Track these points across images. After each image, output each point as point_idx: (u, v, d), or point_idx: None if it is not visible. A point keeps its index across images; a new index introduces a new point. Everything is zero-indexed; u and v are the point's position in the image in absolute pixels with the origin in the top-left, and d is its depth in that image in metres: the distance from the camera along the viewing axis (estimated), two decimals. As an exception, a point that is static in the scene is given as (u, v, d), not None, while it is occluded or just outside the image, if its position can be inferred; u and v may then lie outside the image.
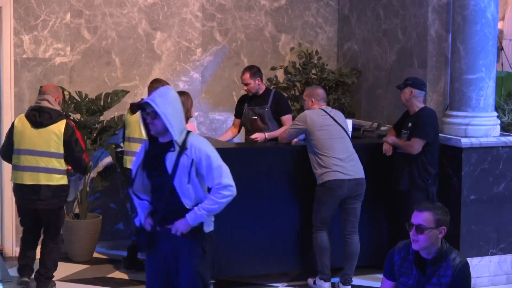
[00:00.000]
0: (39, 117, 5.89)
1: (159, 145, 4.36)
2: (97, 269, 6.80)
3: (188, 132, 4.37)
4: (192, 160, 4.26)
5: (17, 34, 7.15)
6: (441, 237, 3.98)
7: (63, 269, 6.53)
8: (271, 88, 7.73)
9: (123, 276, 6.66)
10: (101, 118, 7.28)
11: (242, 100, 7.17)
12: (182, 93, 6.33)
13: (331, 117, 6.23)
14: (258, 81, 6.93)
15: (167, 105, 4.25)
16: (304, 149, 6.28)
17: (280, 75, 8.08)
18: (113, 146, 7.27)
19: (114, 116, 7.40)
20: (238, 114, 7.17)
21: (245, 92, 7.12)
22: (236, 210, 6.23)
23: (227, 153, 6.36)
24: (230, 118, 7.98)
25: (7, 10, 7.06)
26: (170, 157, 4.28)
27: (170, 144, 4.29)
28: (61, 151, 5.92)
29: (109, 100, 7.25)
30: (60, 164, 5.94)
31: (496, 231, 6.56)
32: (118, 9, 7.48)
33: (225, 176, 4.34)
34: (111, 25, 7.47)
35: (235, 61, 7.93)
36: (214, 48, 7.87)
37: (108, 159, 7.40)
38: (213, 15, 7.82)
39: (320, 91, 6.45)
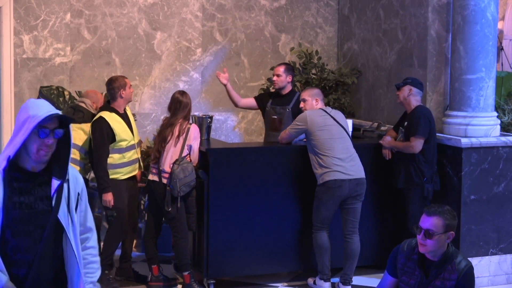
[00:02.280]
0: (73, 114, 6.22)
1: (28, 175, 3.13)
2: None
3: None
4: (78, 193, 3.25)
5: (17, 34, 7.15)
6: (448, 242, 3.97)
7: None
8: (272, 88, 7.73)
9: (123, 276, 6.65)
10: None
11: (268, 95, 7.11)
12: (184, 93, 6.33)
13: (332, 117, 6.23)
14: (289, 79, 6.86)
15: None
16: (304, 149, 6.28)
17: (280, 75, 8.08)
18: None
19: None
20: (258, 98, 7.09)
21: (264, 91, 7.08)
22: (236, 210, 6.23)
23: (227, 153, 6.37)
24: (230, 118, 7.98)
25: (7, 10, 7.06)
26: (51, 190, 3.15)
27: (47, 173, 3.15)
28: (81, 144, 6.14)
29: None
30: (76, 155, 6.12)
31: (496, 231, 6.55)
32: (118, 9, 7.48)
33: (90, 214, 3.38)
34: (111, 25, 7.47)
35: (235, 61, 7.93)
36: (214, 48, 7.87)
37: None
38: (213, 15, 7.82)
39: (320, 91, 6.47)
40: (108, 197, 6.05)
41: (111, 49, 7.49)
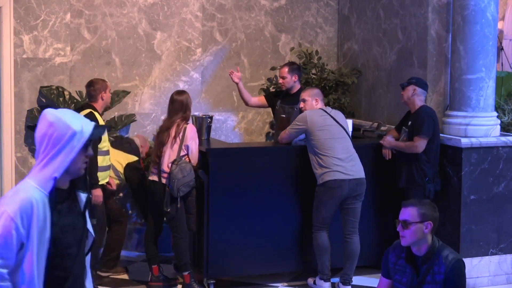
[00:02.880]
0: (121, 140, 6.92)
1: (63, 193, 2.97)
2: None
3: None
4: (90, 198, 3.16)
5: (17, 34, 7.15)
6: (427, 232, 3.99)
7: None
8: (271, 88, 7.73)
9: (123, 276, 6.65)
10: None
11: (277, 94, 7.14)
12: (180, 92, 6.32)
13: (332, 117, 6.23)
14: (295, 78, 6.87)
15: None
16: (304, 149, 6.28)
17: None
18: (113, 146, 7.30)
19: (114, 116, 7.40)
20: (268, 97, 7.17)
21: (263, 92, 7.12)
22: (236, 210, 6.23)
23: (227, 153, 6.37)
24: (230, 118, 7.98)
25: (7, 10, 7.06)
26: (80, 205, 3.06)
27: (72, 188, 3.03)
28: None
29: (109, 100, 7.26)
30: None
31: (496, 231, 6.55)
32: (118, 9, 7.48)
33: None
34: (111, 25, 7.47)
35: (235, 61, 7.93)
36: (214, 48, 7.87)
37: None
38: (213, 15, 7.82)
39: (320, 91, 6.47)
40: (99, 192, 5.99)
41: (111, 49, 7.49)
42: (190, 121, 6.37)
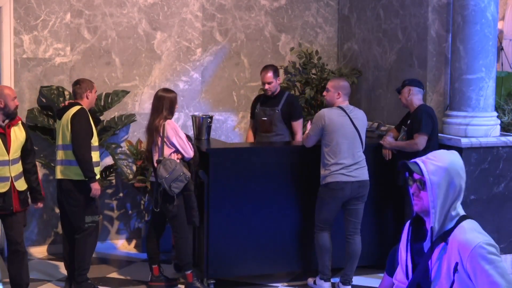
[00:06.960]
0: None
1: None
2: (97, 269, 6.80)
3: None
4: None
5: (17, 34, 7.15)
6: None
7: (63, 269, 6.53)
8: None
9: (123, 276, 6.66)
10: (101, 118, 7.28)
11: (256, 100, 7.15)
12: (162, 90, 6.27)
13: (350, 118, 6.14)
14: (279, 80, 6.89)
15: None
16: (304, 149, 6.28)
17: (280, 75, 8.07)
18: (113, 146, 7.29)
19: (114, 116, 7.40)
20: (253, 114, 7.17)
21: (261, 92, 7.11)
22: (236, 210, 6.24)
23: (227, 153, 6.37)
24: (230, 118, 7.98)
25: (7, 10, 7.06)
26: None
27: None
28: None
29: (109, 100, 7.27)
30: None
31: (496, 231, 6.55)
32: (118, 9, 7.48)
33: None
34: (111, 25, 7.47)
35: (235, 61, 7.93)
36: (214, 48, 7.87)
37: (108, 159, 7.41)
38: (213, 15, 7.82)
39: (347, 85, 6.28)
40: (97, 186, 5.95)
41: (111, 49, 7.49)
42: (192, 121, 6.35)
